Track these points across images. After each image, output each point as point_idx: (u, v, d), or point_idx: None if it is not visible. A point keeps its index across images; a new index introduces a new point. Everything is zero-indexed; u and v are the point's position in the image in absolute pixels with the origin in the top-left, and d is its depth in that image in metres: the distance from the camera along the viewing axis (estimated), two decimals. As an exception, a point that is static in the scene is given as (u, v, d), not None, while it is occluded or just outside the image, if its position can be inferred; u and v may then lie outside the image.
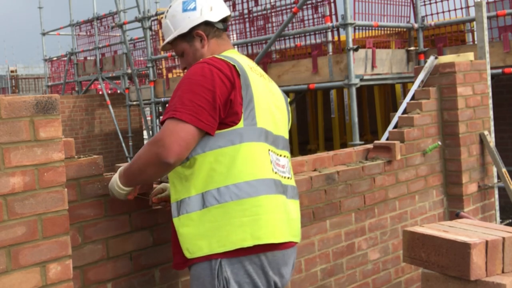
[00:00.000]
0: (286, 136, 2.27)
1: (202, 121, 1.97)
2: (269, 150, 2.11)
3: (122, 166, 2.19)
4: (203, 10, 2.24)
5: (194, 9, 2.24)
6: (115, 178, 2.15)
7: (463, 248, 2.31)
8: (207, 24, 2.25)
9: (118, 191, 2.14)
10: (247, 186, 2.00)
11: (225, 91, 2.01)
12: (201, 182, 2.02)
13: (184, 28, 2.24)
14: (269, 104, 2.17)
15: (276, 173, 2.11)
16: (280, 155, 2.19)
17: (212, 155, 2.02)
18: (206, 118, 1.97)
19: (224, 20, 2.30)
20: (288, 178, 2.20)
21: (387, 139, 3.87)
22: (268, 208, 2.02)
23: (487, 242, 2.34)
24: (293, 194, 2.21)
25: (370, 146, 3.74)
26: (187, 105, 1.97)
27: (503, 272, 2.37)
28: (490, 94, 4.45)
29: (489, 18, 6.14)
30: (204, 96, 1.98)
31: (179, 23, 2.26)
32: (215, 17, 2.26)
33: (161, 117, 11.53)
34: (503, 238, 2.39)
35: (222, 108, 2.00)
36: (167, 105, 2.04)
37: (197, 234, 2.01)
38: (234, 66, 2.06)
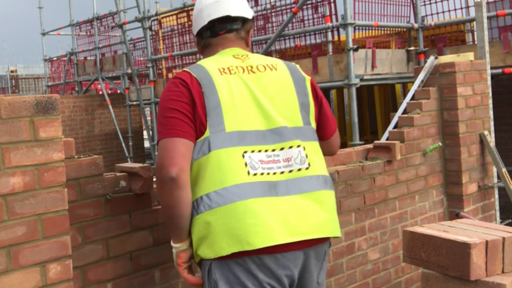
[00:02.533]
0: (292, 124, 2.12)
1: (181, 130, 2.01)
2: (245, 152, 2.02)
3: None
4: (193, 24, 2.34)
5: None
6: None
7: (463, 248, 2.31)
8: (197, 35, 2.32)
9: (173, 253, 2.15)
10: (216, 196, 1.97)
11: (188, 101, 2.04)
12: (194, 190, 2.06)
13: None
14: (254, 102, 2.09)
15: (256, 174, 2.00)
16: (274, 150, 2.06)
17: (193, 167, 2.04)
18: (182, 127, 2.01)
19: (213, 26, 2.25)
20: (290, 171, 2.05)
21: (387, 139, 3.87)
22: (237, 215, 1.94)
23: (487, 242, 2.34)
24: (302, 189, 2.04)
25: (370, 146, 3.73)
26: (163, 123, 2.04)
27: (503, 272, 2.36)
28: (490, 94, 4.45)
29: (489, 18, 6.14)
30: (174, 108, 2.03)
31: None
32: (194, 30, 2.31)
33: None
34: (503, 238, 2.39)
35: (191, 117, 2.03)
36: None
37: (194, 240, 2.06)
38: (195, 77, 2.07)
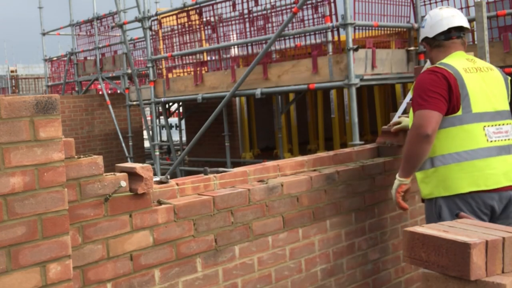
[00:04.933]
0: (505, 108, 3.09)
1: (438, 106, 2.94)
2: (484, 127, 2.98)
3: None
4: (425, 29, 3.22)
5: (423, 27, 3.25)
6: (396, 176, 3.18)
7: (463, 248, 2.31)
8: (428, 38, 3.21)
9: (395, 183, 3.17)
10: (465, 154, 2.97)
11: (445, 88, 2.94)
12: (431, 150, 3.00)
13: (420, 40, 3.32)
14: (485, 93, 3.01)
15: (492, 141, 2.99)
16: (503, 124, 3.03)
17: (440, 133, 2.99)
18: (440, 104, 2.94)
19: (449, 31, 3.14)
20: (508, 139, 3.04)
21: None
22: (479, 168, 2.95)
23: (487, 242, 2.34)
24: None
25: (371, 146, 3.74)
26: (426, 99, 2.96)
27: (503, 272, 2.36)
28: (490, 94, 4.44)
29: (489, 18, 6.14)
30: (435, 91, 2.95)
31: (420, 35, 3.31)
32: (431, 33, 3.19)
33: (161, 117, 11.44)
34: (503, 238, 2.38)
35: (447, 99, 2.94)
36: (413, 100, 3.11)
37: (428, 184, 3.07)
38: (451, 72, 2.97)
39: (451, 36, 3.16)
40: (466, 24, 3.19)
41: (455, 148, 2.98)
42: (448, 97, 2.95)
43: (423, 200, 3.21)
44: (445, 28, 3.14)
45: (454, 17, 3.17)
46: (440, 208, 3.03)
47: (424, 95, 2.98)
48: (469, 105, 2.98)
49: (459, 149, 2.98)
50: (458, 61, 3.07)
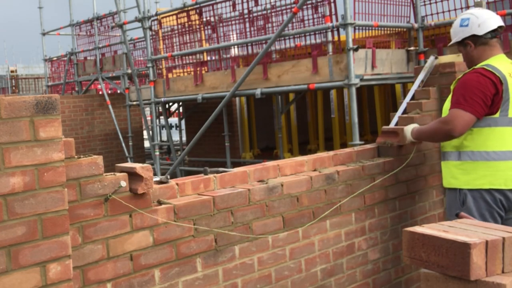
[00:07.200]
0: None
1: (477, 111, 3.12)
2: None
3: (414, 126, 3.54)
4: (472, 27, 3.28)
5: (467, 25, 3.30)
6: (408, 129, 3.52)
7: (463, 248, 2.31)
8: (475, 36, 3.27)
9: (408, 137, 3.52)
10: (494, 154, 3.18)
11: (491, 93, 3.11)
12: (460, 144, 3.26)
13: (459, 38, 3.36)
14: None
15: None
16: None
17: (474, 131, 3.18)
18: (478, 109, 3.12)
19: (495, 31, 3.28)
20: None
21: (396, 124, 3.90)
22: (503, 168, 3.17)
23: (487, 242, 2.33)
24: None
25: (371, 146, 3.73)
26: (468, 101, 3.12)
27: (503, 272, 2.36)
28: (490, 94, 4.44)
29: (489, 18, 6.13)
30: (478, 95, 3.11)
31: (456, 33, 3.38)
32: (481, 31, 3.27)
33: (161, 117, 11.44)
34: (503, 238, 2.38)
35: (488, 105, 3.11)
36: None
37: (453, 176, 3.30)
38: (499, 77, 3.12)
39: (496, 35, 3.31)
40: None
41: (485, 147, 3.19)
42: (491, 101, 3.11)
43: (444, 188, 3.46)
44: (495, 26, 3.28)
45: (497, 17, 3.33)
46: (465, 196, 3.24)
47: (467, 96, 3.12)
48: (507, 109, 3.15)
49: (488, 149, 3.18)
50: (503, 64, 3.22)
